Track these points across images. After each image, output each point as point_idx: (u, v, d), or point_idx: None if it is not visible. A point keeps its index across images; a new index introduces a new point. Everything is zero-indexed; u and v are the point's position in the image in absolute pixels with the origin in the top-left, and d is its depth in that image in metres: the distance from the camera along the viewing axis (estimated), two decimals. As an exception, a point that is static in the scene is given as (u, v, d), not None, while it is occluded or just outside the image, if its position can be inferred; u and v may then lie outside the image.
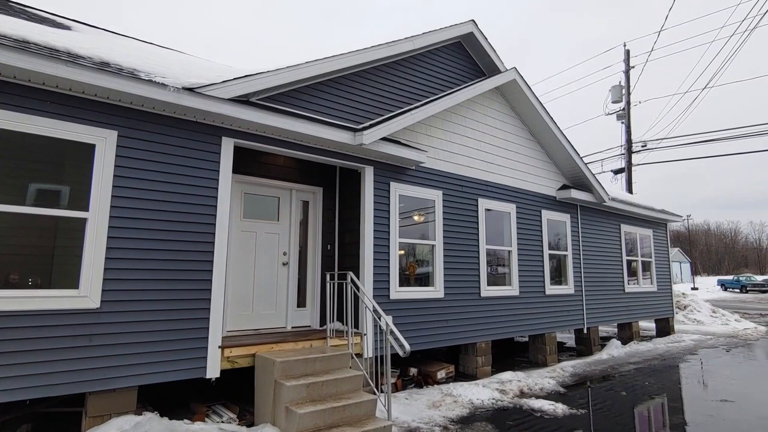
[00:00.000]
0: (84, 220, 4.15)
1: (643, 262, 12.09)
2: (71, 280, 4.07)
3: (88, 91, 4.20)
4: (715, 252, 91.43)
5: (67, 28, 6.34)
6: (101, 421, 4.07)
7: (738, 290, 41.63)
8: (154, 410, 4.69)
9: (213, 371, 4.68)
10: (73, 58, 4.07)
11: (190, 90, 4.56)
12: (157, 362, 4.37)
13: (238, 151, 5.73)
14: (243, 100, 5.09)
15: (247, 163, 6.16)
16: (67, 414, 4.82)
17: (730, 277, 47.47)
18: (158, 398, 5.21)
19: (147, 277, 4.41)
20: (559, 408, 5.70)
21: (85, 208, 4.17)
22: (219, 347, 4.74)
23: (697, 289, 40.96)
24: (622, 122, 18.60)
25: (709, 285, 49.17)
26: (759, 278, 45.50)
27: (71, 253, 4.12)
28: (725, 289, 43.60)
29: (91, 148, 4.24)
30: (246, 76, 5.04)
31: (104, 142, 4.30)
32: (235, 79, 4.95)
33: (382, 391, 5.13)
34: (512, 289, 8.18)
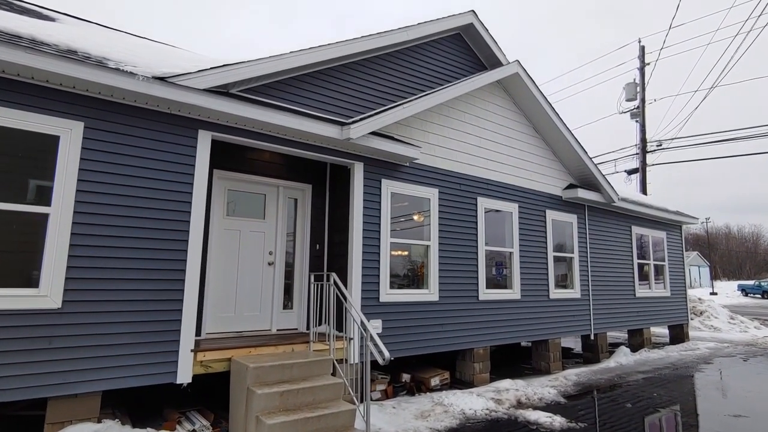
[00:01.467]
0: (46, 216, 3.94)
1: (656, 266, 11.56)
2: (31, 279, 3.86)
3: (52, 80, 3.99)
4: (735, 256, 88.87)
5: (52, 19, 6.19)
6: (60, 428, 3.86)
7: (759, 296, 40.29)
8: (123, 415, 4.48)
9: (184, 376, 4.43)
10: (34, 45, 3.87)
11: (161, 79, 4.32)
12: (122, 366, 4.14)
13: (221, 145, 5.51)
14: (221, 91, 4.85)
15: (231, 158, 5.93)
16: (37, 417, 4.63)
17: (751, 282, 45.96)
18: (133, 403, 4.99)
19: (113, 276, 4.18)
20: (557, 421, 5.32)
21: (47, 203, 3.95)
22: (191, 351, 4.49)
23: (716, 294, 39.74)
24: (636, 121, 17.99)
25: (728, 290, 47.69)
26: (782, 283, 43.95)
27: (31, 250, 3.91)
28: (746, 295, 42.23)
29: (54, 140, 4.03)
30: (223, 65, 4.79)
31: (69, 133, 4.09)
32: (211, 68, 4.70)
33: (364, 400, 4.83)
34: (513, 293, 7.80)
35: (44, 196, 3.96)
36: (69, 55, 3.99)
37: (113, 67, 4.13)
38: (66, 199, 4.01)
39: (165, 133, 4.60)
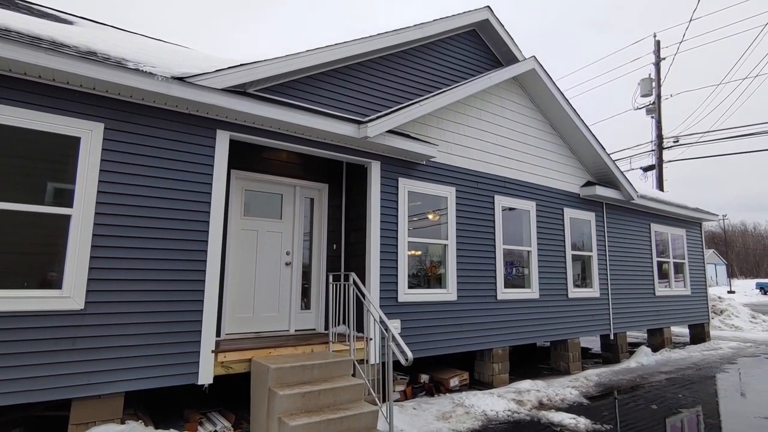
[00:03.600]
0: (68, 217, 3.94)
1: (676, 264, 11.33)
2: (54, 280, 3.87)
3: (72, 82, 4.00)
4: (753, 254, 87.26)
5: (69, 23, 6.23)
6: (85, 429, 3.86)
7: (779, 294, 39.46)
8: (145, 416, 4.48)
9: (205, 377, 4.41)
10: (55, 47, 3.87)
11: (180, 79, 4.31)
12: (144, 367, 4.13)
13: (238, 145, 5.50)
14: (239, 91, 4.83)
15: (248, 158, 5.91)
16: (61, 418, 4.65)
17: (769, 280, 45.08)
18: (154, 403, 4.99)
19: (135, 277, 4.18)
20: (581, 422, 5.21)
21: (69, 205, 3.96)
22: (212, 352, 4.47)
23: (733, 292, 39.01)
24: (652, 117, 17.70)
25: (746, 288, 46.83)
26: (802, 281, 43.03)
27: (54, 252, 3.91)
28: (764, 293, 41.42)
29: (75, 141, 4.04)
30: (241, 65, 4.77)
31: (90, 134, 4.09)
32: (228, 68, 4.68)
33: (386, 400, 4.77)
34: (532, 292, 7.69)
35: (66, 198, 3.97)
36: (89, 56, 3.99)
37: (132, 67, 4.12)
38: (87, 200, 4.02)
39: (184, 134, 4.59)
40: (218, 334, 5.34)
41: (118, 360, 4.02)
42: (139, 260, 4.23)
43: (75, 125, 4.03)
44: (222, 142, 4.80)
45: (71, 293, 3.88)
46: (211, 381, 4.45)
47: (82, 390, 3.85)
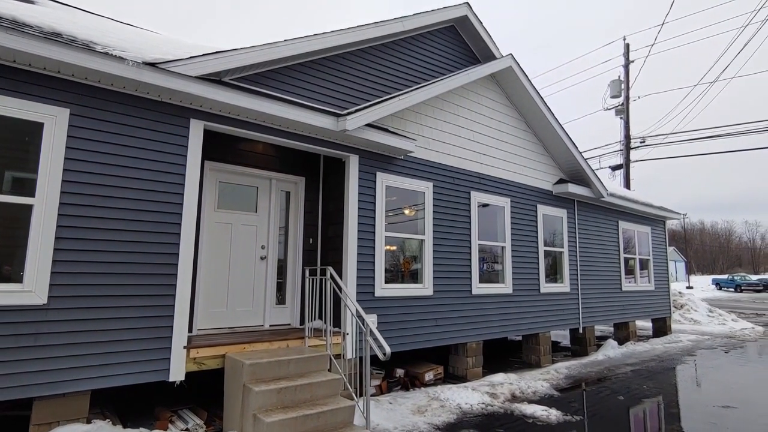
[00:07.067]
0: (29, 207, 3.74)
1: (641, 260, 11.76)
2: (14, 274, 3.66)
3: (35, 64, 3.78)
4: (709, 251, 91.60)
5: (32, 2, 5.89)
6: (48, 429, 3.68)
7: (732, 289, 41.59)
8: (113, 415, 4.32)
9: (177, 374, 4.28)
10: (16, 26, 3.65)
11: (152, 65, 4.14)
12: (112, 364, 3.97)
13: (213, 136, 5.34)
14: (214, 80, 4.68)
15: (223, 149, 5.75)
16: (22, 418, 4.43)
17: (724, 277, 47.48)
18: (122, 402, 4.82)
19: (102, 270, 4.00)
20: (553, 414, 5.35)
21: (31, 194, 3.75)
22: (184, 347, 4.35)
23: (692, 288, 40.85)
24: (621, 117, 18.25)
25: (703, 284, 49.14)
26: (754, 277, 45.53)
27: (14, 244, 3.71)
28: (720, 288, 43.56)
29: (39, 127, 3.82)
30: (216, 52, 4.63)
31: (54, 120, 3.88)
32: (203, 55, 4.53)
33: (362, 395, 4.75)
34: (505, 287, 7.81)
35: (27, 187, 3.76)
36: (53, 37, 3.78)
37: (101, 51, 3.93)
38: (51, 189, 3.82)
39: (156, 122, 4.42)
40: (190, 329, 5.19)
41: (83, 357, 3.85)
42: (107, 253, 4.05)
43: (38, 110, 3.81)
44: (196, 131, 4.64)
45: (33, 287, 3.68)
46: (182, 378, 4.32)
47: (45, 388, 3.67)
